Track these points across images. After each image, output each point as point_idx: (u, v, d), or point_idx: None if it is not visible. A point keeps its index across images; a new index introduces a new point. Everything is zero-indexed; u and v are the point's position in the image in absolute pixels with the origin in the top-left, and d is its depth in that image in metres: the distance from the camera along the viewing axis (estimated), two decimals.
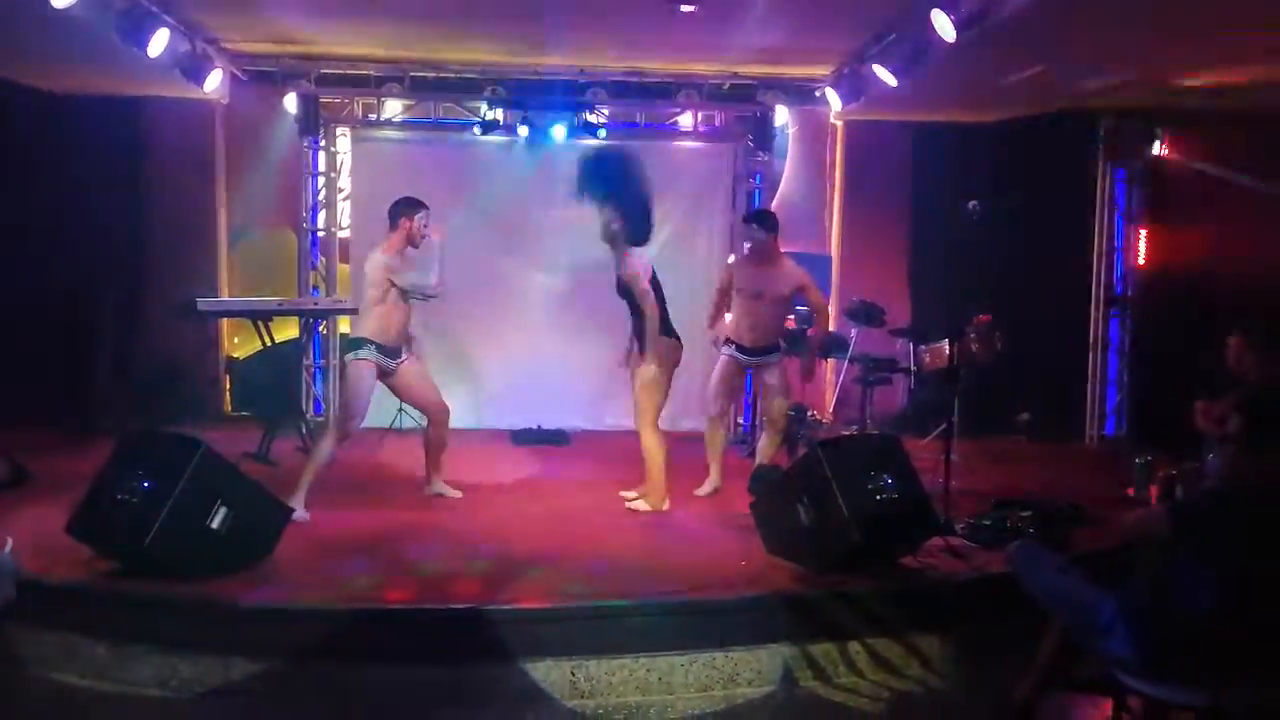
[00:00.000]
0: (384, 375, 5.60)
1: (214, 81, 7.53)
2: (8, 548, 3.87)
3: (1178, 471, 5.46)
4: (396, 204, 5.61)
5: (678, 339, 5.69)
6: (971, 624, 4.37)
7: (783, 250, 6.25)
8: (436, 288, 5.63)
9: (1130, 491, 6.01)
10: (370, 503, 5.80)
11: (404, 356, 5.70)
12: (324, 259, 8.63)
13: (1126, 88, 7.24)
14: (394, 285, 5.47)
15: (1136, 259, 8.69)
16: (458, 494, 5.99)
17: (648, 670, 3.96)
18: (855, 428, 7.42)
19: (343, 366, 5.95)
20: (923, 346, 7.31)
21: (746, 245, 6.40)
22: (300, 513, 5.09)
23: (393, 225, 5.55)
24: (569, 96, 8.21)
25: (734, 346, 6.21)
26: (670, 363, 5.63)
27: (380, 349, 5.52)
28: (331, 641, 3.93)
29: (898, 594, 4.38)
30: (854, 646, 4.20)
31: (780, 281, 6.07)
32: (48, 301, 7.86)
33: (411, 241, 5.56)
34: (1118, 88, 7.22)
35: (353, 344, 5.58)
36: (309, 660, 3.91)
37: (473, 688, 3.90)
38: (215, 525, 4.29)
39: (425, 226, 5.58)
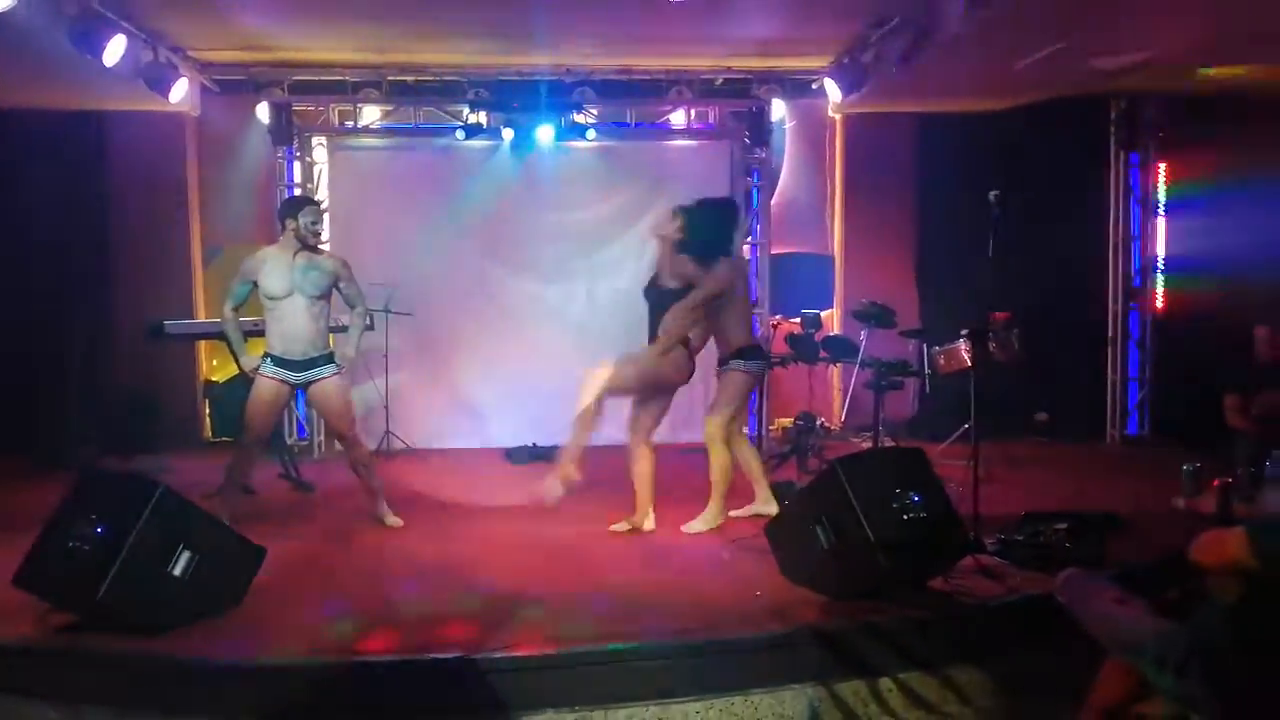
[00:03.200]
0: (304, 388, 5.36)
1: (179, 92, 7.16)
2: None
3: (1232, 479, 5.05)
4: (281, 204, 5.57)
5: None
6: (1012, 652, 3.99)
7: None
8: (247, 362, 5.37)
9: (1189, 503, 5.45)
10: (352, 535, 5.42)
11: (321, 373, 5.31)
12: None
13: (1148, 70, 6.86)
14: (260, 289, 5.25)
15: (1155, 248, 8.32)
16: (399, 522, 5.59)
17: (659, 719, 3.60)
18: (868, 435, 7.06)
19: None
20: (936, 348, 7.02)
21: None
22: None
23: (281, 228, 5.35)
24: (555, 97, 7.89)
25: None
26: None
27: (276, 361, 5.25)
28: (303, 699, 3.57)
29: (930, 622, 4.00)
30: (886, 684, 3.83)
31: None
32: (12, 325, 7.54)
33: (303, 241, 5.26)
34: (1139, 69, 6.84)
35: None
36: None
37: None
38: (177, 572, 3.93)
39: (315, 224, 5.31)
